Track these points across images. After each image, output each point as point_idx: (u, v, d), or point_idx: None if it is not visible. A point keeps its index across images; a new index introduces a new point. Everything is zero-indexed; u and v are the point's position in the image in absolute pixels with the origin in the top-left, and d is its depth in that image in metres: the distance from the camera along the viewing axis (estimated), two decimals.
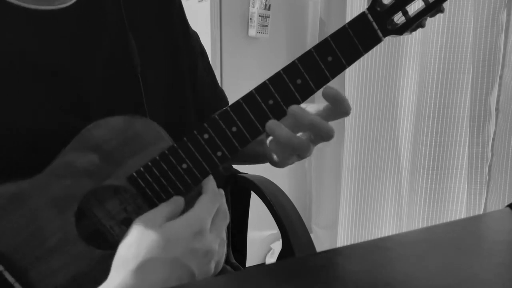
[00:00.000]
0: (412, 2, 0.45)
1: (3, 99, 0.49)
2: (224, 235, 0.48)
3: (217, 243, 0.46)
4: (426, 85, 1.38)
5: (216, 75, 1.77)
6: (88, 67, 0.53)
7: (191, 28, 0.69)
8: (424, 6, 0.45)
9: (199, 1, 1.70)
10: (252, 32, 1.72)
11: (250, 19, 1.72)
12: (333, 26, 1.74)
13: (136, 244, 0.43)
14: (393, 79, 1.54)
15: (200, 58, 0.70)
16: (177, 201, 0.49)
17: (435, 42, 1.33)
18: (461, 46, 1.31)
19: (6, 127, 0.48)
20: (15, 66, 0.49)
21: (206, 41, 1.59)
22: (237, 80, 1.76)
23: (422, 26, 0.47)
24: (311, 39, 1.90)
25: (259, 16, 1.70)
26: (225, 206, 0.49)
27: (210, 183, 0.49)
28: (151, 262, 0.41)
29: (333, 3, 1.74)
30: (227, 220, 0.49)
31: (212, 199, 0.48)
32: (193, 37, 0.69)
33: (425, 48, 1.38)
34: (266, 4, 1.71)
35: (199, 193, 0.50)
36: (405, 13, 0.45)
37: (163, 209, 0.47)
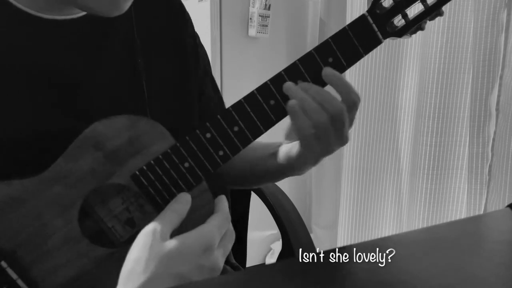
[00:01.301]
0: (412, 5, 0.46)
1: (10, 102, 0.49)
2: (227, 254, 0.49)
3: (222, 262, 0.47)
4: (426, 86, 1.38)
5: (216, 75, 1.76)
6: (93, 74, 0.54)
7: (200, 44, 0.69)
8: (424, 9, 0.45)
9: (199, 1, 1.70)
10: (252, 32, 1.72)
11: (250, 19, 1.72)
12: (333, 26, 1.74)
13: (145, 259, 0.42)
14: (393, 80, 1.54)
15: (208, 77, 0.70)
16: (182, 200, 0.48)
17: (435, 42, 1.33)
18: (461, 46, 1.31)
19: (13, 128, 0.49)
20: (20, 71, 0.50)
21: (206, 41, 1.59)
22: (237, 80, 1.76)
23: (422, 29, 0.47)
24: (311, 39, 1.90)
25: (259, 16, 1.70)
26: (232, 227, 0.50)
27: (223, 203, 0.50)
28: (160, 277, 0.41)
29: (333, 3, 1.74)
30: (233, 241, 0.49)
31: (224, 219, 0.48)
32: (202, 57, 0.69)
33: (425, 48, 1.38)
34: (266, 4, 1.71)
35: (201, 192, 0.50)
36: (404, 16, 0.46)
37: (168, 218, 0.46)
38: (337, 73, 0.47)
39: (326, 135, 0.48)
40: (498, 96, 1.24)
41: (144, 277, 0.41)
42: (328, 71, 0.47)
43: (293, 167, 0.57)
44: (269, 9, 1.72)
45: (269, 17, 1.73)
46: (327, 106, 0.47)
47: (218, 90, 0.74)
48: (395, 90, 1.55)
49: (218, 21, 1.69)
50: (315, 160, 0.54)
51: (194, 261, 0.43)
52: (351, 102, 0.48)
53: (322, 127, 0.47)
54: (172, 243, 0.43)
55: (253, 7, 1.71)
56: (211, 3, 1.66)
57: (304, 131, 0.48)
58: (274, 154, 0.59)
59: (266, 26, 1.73)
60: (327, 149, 0.51)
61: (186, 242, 0.44)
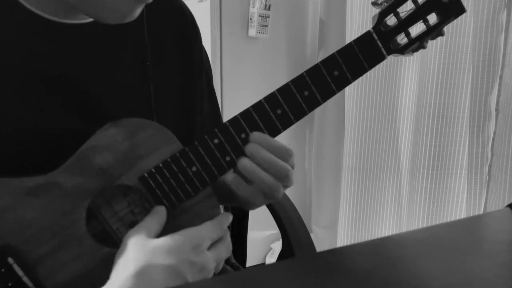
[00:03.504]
0: (414, 25, 0.48)
1: (20, 103, 0.50)
2: (221, 265, 0.50)
3: (213, 266, 0.48)
4: (426, 85, 1.38)
5: (216, 75, 1.76)
6: (103, 77, 0.55)
7: (205, 51, 0.70)
8: (425, 29, 0.48)
9: (199, 1, 1.70)
10: (252, 32, 1.72)
11: (250, 19, 1.72)
12: (333, 26, 1.74)
13: (134, 252, 0.44)
14: (393, 79, 1.54)
15: (207, 87, 0.71)
16: (160, 211, 0.50)
17: (435, 42, 1.33)
18: (461, 46, 1.31)
19: (24, 128, 0.50)
20: (32, 73, 0.50)
21: (206, 41, 1.59)
22: (237, 80, 1.76)
23: (424, 47, 0.50)
24: (311, 39, 1.90)
25: (259, 16, 1.70)
26: (229, 240, 0.51)
27: (224, 218, 0.51)
28: (151, 268, 0.43)
29: (333, 3, 1.74)
30: (228, 252, 0.51)
31: (216, 227, 0.50)
32: (205, 70, 0.69)
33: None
34: (266, 4, 1.71)
35: (207, 196, 0.51)
36: (407, 34, 0.48)
37: (151, 221, 0.49)
38: (263, 137, 0.50)
39: (272, 192, 0.52)
40: (498, 96, 1.24)
41: (136, 268, 0.42)
42: (250, 147, 0.50)
43: (236, 202, 0.60)
44: (269, 9, 1.72)
45: (269, 17, 1.73)
46: (278, 174, 0.50)
47: (216, 100, 0.74)
48: (395, 90, 1.55)
49: (218, 21, 1.69)
50: (260, 205, 0.57)
51: (184, 256, 0.45)
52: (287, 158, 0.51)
53: (273, 192, 0.52)
54: (160, 239, 0.45)
55: (253, 7, 1.71)
56: (211, 3, 1.66)
57: (255, 198, 0.53)
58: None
59: (266, 26, 1.73)
60: (273, 200, 0.55)
61: (174, 238, 0.46)
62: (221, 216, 0.51)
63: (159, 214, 0.50)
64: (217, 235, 0.49)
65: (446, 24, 0.48)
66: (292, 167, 0.53)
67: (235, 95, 1.74)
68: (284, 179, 0.51)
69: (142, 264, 0.42)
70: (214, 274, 0.50)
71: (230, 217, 0.52)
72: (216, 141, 0.49)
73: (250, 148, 0.50)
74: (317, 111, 1.89)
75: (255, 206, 0.57)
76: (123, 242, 0.46)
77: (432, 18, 0.48)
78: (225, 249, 0.50)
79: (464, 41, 1.30)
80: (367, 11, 1.52)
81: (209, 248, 0.48)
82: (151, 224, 0.48)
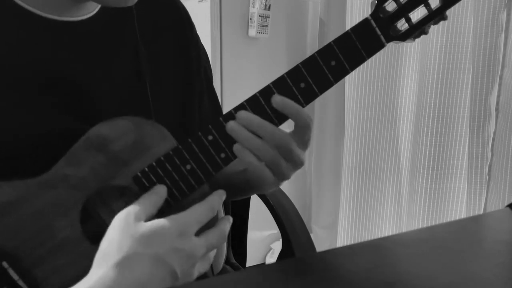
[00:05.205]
0: (415, 9, 0.46)
1: (14, 103, 0.49)
2: (210, 253, 0.48)
3: (201, 253, 0.45)
4: (426, 85, 1.39)
5: (216, 75, 1.76)
6: (98, 76, 0.54)
7: (203, 49, 0.69)
8: (427, 13, 0.46)
9: (199, 1, 1.70)
10: (252, 32, 1.72)
11: (250, 19, 1.72)
12: (333, 26, 1.74)
13: (119, 239, 0.43)
14: (393, 79, 1.54)
15: (206, 84, 0.70)
16: (159, 191, 0.48)
17: (435, 42, 1.33)
18: (461, 46, 1.31)
19: (16, 129, 0.49)
20: (26, 72, 0.50)
21: (206, 41, 1.59)
22: (237, 80, 1.76)
23: (425, 33, 0.47)
24: (311, 39, 1.90)
25: (259, 16, 1.70)
26: (226, 230, 0.48)
27: (215, 197, 0.49)
28: (134, 257, 0.42)
29: (333, 3, 1.74)
30: (222, 239, 0.48)
31: (205, 210, 0.47)
32: (203, 64, 0.69)
33: (425, 48, 1.38)
34: (266, 4, 1.71)
35: (203, 194, 0.50)
36: (408, 20, 0.46)
37: (144, 202, 0.47)
38: (284, 98, 0.47)
39: (275, 164, 0.49)
40: (498, 96, 1.24)
41: (118, 257, 0.41)
42: (277, 99, 0.47)
43: (252, 188, 0.58)
44: (269, 9, 1.72)
45: (269, 17, 1.73)
46: (270, 139, 0.47)
47: (217, 98, 0.73)
48: (395, 90, 1.55)
49: (218, 21, 1.69)
50: (274, 185, 0.54)
51: (169, 243, 0.43)
52: (303, 123, 0.48)
53: (269, 160, 0.48)
54: (145, 225, 0.43)
55: (253, 7, 1.71)
56: (211, 3, 1.66)
57: (254, 167, 0.49)
58: (241, 172, 0.58)
59: (266, 26, 1.73)
60: (282, 176, 0.51)
61: (160, 224, 0.44)
62: (211, 196, 0.48)
63: (157, 195, 0.48)
64: (206, 218, 0.47)
65: (450, 7, 0.45)
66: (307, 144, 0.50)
67: (235, 95, 1.74)
68: (285, 150, 0.48)
69: (125, 253, 0.41)
70: (212, 272, 0.49)
71: (223, 197, 0.49)
72: (210, 137, 0.48)
73: (241, 113, 0.47)
74: (317, 110, 1.89)
75: (268, 186, 0.55)
76: (112, 222, 0.45)
77: (434, 1, 0.46)
78: (217, 235, 0.47)
79: (464, 41, 1.30)
80: (367, 11, 1.52)
81: (198, 234, 0.45)
82: (144, 205, 0.46)
